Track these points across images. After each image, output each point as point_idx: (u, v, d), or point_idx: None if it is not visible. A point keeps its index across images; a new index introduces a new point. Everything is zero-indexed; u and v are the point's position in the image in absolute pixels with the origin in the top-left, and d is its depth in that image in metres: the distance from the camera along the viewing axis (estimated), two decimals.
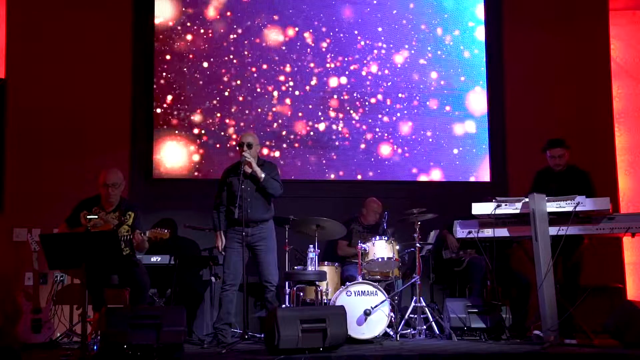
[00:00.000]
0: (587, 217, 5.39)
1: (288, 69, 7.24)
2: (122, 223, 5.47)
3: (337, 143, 7.21)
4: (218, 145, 7.09)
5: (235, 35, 7.23)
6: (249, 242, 5.66)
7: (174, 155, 7.06)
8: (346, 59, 7.31)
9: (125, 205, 5.59)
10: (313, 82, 7.25)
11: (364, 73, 7.31)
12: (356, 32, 7.35)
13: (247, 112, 7.16)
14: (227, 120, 7.14)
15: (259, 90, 7.19)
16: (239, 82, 7.18)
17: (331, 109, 7.24)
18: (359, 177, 7.20)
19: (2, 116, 6.74)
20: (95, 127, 6.78)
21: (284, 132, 7.18)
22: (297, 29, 7.27)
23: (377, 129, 7.26)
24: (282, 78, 7.23)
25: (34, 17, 6.87)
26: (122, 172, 5.67)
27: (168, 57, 7.13)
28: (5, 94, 6.75)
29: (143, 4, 7.14)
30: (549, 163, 5.93)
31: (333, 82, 7.27)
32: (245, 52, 7.22)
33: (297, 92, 7.23)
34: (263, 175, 5.66)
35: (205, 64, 7.16)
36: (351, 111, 7.26)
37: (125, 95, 6.96)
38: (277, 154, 7.13)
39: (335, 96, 7.26)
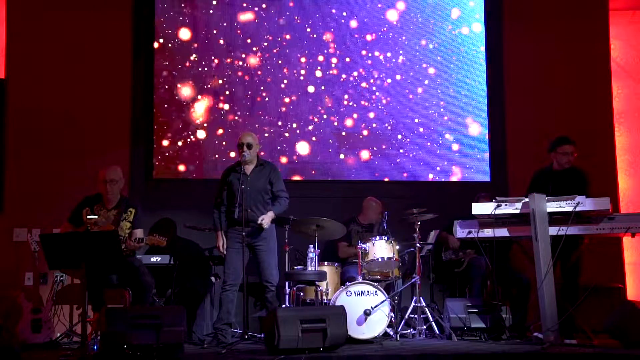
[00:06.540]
0: (587, 217, 5.39)
1: (287, 70, 7.24)
2: (122, 220, 5.51)
3: (337, 143, 7.22)
4: (218, 145, 7.09)
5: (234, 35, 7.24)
6: (250, 242, 5.66)
7: (174, 155, 7.05)
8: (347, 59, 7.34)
9: (125, 203, 5.64)
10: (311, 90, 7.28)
11: (365, 74, 7.33)
12: (357, 35, 7.37)
13: (247, 109, 7.16)
14: (227, 120, 7.14)
15: (259, 88, 7.19)
16: (242, 75, 7.17)
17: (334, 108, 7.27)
18: (360, 177, 7.20)
19: (2, 116, 6.74)
20: (95, 127, 6.79)
21: (287, 132, 7.19)
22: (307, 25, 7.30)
23: (377, 130, 7.27)
24: (282, 85, 7.24)
25: (34, 17, 6.87)
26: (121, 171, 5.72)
27: (168, 56, 7.13)
28: (5, 94, 6.75)
29: (143, 3, 7.14)
30: (558, 161, 5.84)
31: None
32: (246, 49, 7.22)
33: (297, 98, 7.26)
34: (273, 213, 5.71)
35: (206, 64, 7.16)
36: (353, 113, 7.28)
37: (125, 95, 6.96)
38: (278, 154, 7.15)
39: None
